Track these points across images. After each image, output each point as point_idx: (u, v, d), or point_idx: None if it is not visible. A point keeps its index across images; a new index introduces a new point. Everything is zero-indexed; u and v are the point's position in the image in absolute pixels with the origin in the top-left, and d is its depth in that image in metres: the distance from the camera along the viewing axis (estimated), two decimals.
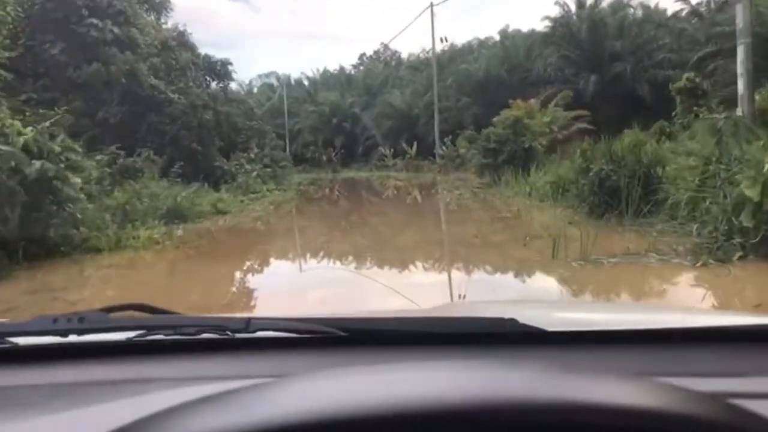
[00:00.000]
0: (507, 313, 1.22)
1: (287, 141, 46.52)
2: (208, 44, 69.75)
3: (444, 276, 8.87)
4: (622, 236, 8.36)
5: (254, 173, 27.76)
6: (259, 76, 65.50)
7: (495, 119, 23.80)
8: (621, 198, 10.25)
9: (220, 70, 33.63)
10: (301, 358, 1.22)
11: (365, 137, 44.70)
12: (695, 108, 24.56)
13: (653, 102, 32.10)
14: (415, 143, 37.73)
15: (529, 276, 8.16)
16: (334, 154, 44.64)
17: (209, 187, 25.10)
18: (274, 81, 62.45)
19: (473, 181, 23.18)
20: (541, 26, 37.48)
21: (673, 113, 25.60)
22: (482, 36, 46.60)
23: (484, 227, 12.48)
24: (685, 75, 25.42)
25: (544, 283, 7.56)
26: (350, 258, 10.48)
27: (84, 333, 1.26)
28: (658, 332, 1.21)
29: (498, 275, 8.50)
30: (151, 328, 1.28)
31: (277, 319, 1.31)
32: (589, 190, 11.34)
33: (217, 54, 34.16)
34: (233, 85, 49.21)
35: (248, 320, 1.25)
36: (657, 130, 22.84)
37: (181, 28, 32.91)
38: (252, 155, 29.43)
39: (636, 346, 1.16)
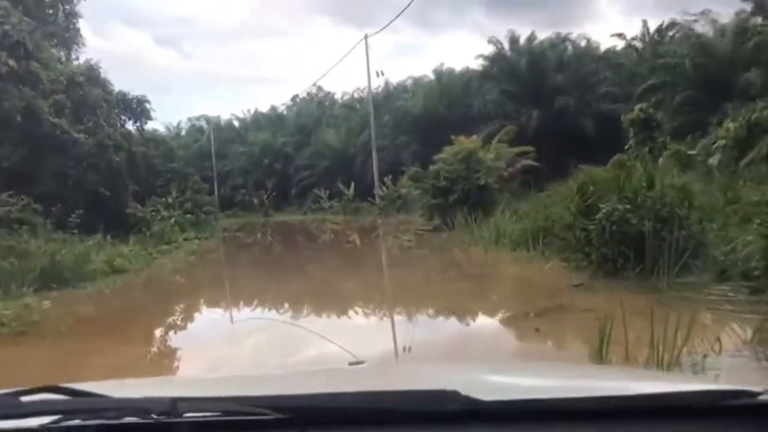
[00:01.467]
0: (453, 378, 1.27)
1: (215, 184, 42.78)
2: (138, 90, 65.22)
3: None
4: (670, 309, 5.37)
5: (172, 220, 24.08)
6: (189, 119, 61.52)
7: (438, 156, 21.18)
8: (644, 249, 7.33)
9: (136, 108, 29.95)
10: None
11: (299, 179, 41.35)
12: (650, 140, 22.60)
13: (597, 136, 30.34)
14: (352, 184, 34.66)
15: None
16: (265, 197, 41.11)
17: (117, 238, 21.34)
18: (204, 124, 58.69)
19: (419, 225, 20.19)
20: (475, 64, 35.54)
21: (626, 146, 23.43)
22: (416, 74, 44.02)
23: (457, 293, 9.40)
24: (638, 106, 23.43)
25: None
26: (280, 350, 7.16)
27: None
28: (599, 401, 1.15)
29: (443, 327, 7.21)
30: (68, 413, 1.13)
31: (205, 399, 1.19)
32: (598, 238, 8.37)
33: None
34: (160, 128, 45.66)
35: (174, 401, 1.10)
36: (616, 164, 20.43)
37: (93, 63, 29.16)
38: (170, 200, 25.72)
39: (577, 419, 1.10)
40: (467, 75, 37.66)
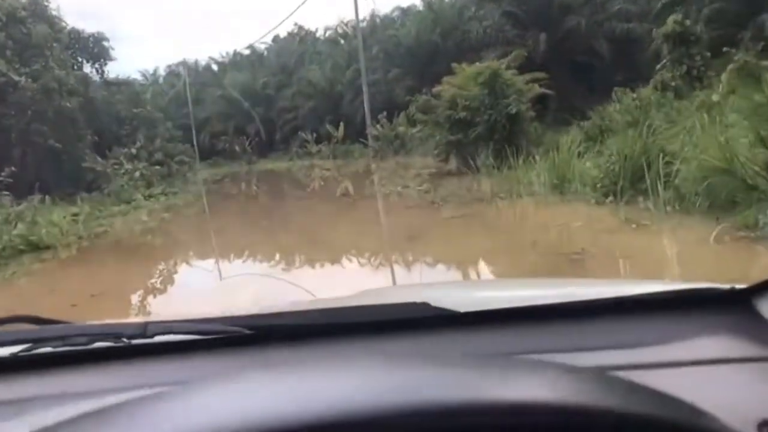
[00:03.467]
0: (421, 296, 1.18)
1: (194, 132, 38.64)
2: (116, 37, 60.01)
3: None
4: None
5: (137, 173, 20.27)
6: (168, 66, 56.57)
7: (438, 88, 17.31)
8: None
9: (93, 47, 25.72)
10: (204, 362, 1.09)
11: (283, 121, 37.20)
12: (688, 57, 18.94)
13: (612, 59, 26.56)
14: (341, 125, 30.65)
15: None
16: (248, 144, 37.08)
17: (70, 197, 17.62)
18: (182, 70, 53.94)
19: (426, 167, 16.35)
20: None
21: (659, 65, 19.67)
22: (404, 5, 39.45)
23: None
24: (672, 17, 19.56)
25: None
26: None
27: None
28: (557, 307, 1.16)
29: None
30: (38, 341, 1.12)
31: (176, 322, 1.15)
32: None
33: (124, 48, 26.13)
34: (137, 76, 41.45)
35: (145, 324, 1.10)
36: (658, 85, 16.72)
37: None
38: (134, 150, 21.81)
39: (537, 322, 1.13)
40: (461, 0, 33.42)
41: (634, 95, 14.66)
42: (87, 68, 26.40)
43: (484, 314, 1.13)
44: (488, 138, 13.07)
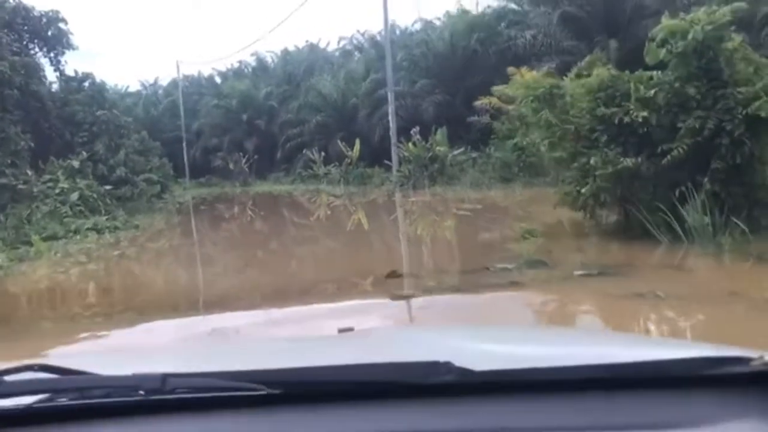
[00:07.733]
0: (446, 346, 1.16)
1: (184, 145, 32.00)
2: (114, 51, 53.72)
3: None
4: None
5: (74, 195, 13.48)
6: (174, 79, 50.05)
7: (481, 102, 10.72)
8: None
9: (45, 29, 19.06)
10: (223, 421, 1.03)
11: (286, 138, 30.42)
12: None
13: None
14: (357, 143, 23.86)
15: None
16: (245, 162, 30.35)
17: None
18: (187, 84, 47.38)
19: (479, 201, 9.41)
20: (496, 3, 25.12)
21: None
22: (428, 17, 33.04)
23: None
24: None
25: None
26: None
27: None
28: (582, 373, 1.04)
29: None
30: (55, 392, 1.04)
31: (196, 375, 1.08)
32: None
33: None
34: (137, 85, 35.52)
35: (164, 378, 1.02)
36: None
37: None
38: (76, 163, 15.00)
39: (558, 391, 1.03)
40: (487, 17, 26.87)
41: None
42: (41, 58, 19.72)
43: (508, 377, 1.06)
44: (698, 166, 6.09)
